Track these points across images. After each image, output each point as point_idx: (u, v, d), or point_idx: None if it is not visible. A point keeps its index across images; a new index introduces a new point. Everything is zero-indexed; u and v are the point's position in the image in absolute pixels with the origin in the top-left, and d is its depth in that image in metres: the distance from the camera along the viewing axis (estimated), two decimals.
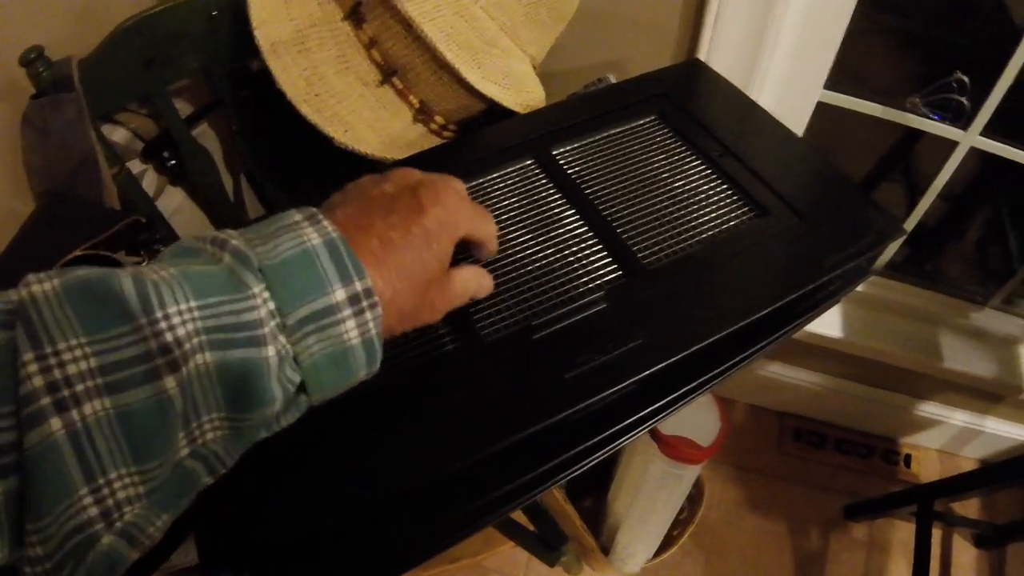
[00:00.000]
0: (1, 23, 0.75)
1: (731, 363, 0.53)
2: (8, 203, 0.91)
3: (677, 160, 0.59)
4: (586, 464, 0.50)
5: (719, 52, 0.80)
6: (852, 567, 1.27)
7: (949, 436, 1.37)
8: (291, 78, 0.64)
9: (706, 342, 0.47)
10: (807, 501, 1.33)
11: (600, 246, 0.52)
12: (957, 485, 1.15)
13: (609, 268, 0.51)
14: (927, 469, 1.39)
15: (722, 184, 0.57)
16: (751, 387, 1.40)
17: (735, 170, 0.58)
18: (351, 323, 0.32)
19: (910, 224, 1.08)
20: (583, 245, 0.52)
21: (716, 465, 1.34)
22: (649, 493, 1.02)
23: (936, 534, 1.31)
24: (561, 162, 0.59)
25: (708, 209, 0.55)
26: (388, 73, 0.67)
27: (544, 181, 0.58)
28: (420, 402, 0.44)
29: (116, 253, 0.61)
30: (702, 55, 0.81)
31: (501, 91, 0.66)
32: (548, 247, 0.53)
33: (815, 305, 0.57)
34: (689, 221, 0.54)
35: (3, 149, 0.84)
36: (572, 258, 0.52)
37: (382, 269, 0.34)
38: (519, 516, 0.75)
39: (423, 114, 0.68)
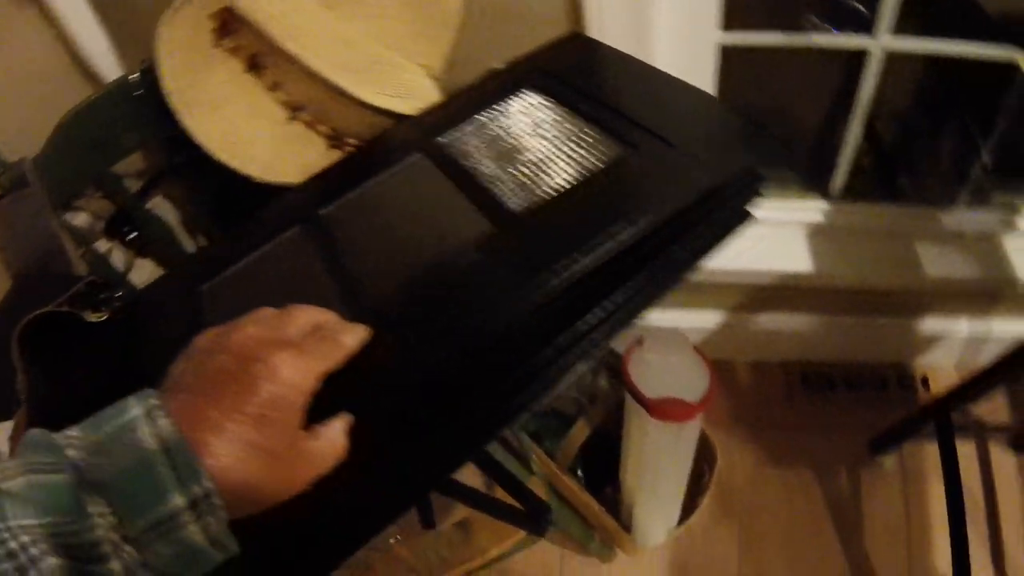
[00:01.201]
0: None
1: (639, 282, 0.54)
2: None
3: (550, 122, 0.63)
4: (548, 388, 0.51)
5: (607, 24, 0.84)
6: (889, 500, 1.26)
7: (960, 348, 1.36)
8: (207, 132, 0.71)
9: (585, 263, 0.48)
10: (829, 445, 1.32)
11: (477, 209, 0.56)
12: (968, 390, 1.13)
13: (488, 225, 0.54)
14: (947, 387, 1.37)
15: (595, 133, 0.60)
16: (746, 344, 1.40)
17: (606, 118, 0.60)
18: (194, 527, 0.32)
19: (849, 142, 1.10)
20: (464, 212, 0.56)
21: (730, 428, 1.34)
22: (652, 460, 1.03)
23: (969, 450, 1.29)
24: (444, 148, 0.63)
25: (581, 157, 0.58)
26: (295, 109, 0.73)
27: (431, 168, 0.62)
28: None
29: (82, 312, 0.67)
30: (594, 32, 0.86)
31: (400, 102, 0.71)
32: (434, 220, 0.58)
33: (719, 223, 0.59)
34: (562, 169, 0.57)
35: None
36: (454, 226, 0.56)
37: (222, 461, 0.34)
38: (504, 496, 0.78)
39: (335, 140, 0.74)
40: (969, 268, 1.16)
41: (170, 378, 0.39)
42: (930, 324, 1.32)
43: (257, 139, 0.72)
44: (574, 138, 0.61)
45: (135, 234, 0.86)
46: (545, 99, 0.66)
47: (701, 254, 0.60)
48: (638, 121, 0.60)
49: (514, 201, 0.56)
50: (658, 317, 1.06)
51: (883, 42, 0.96)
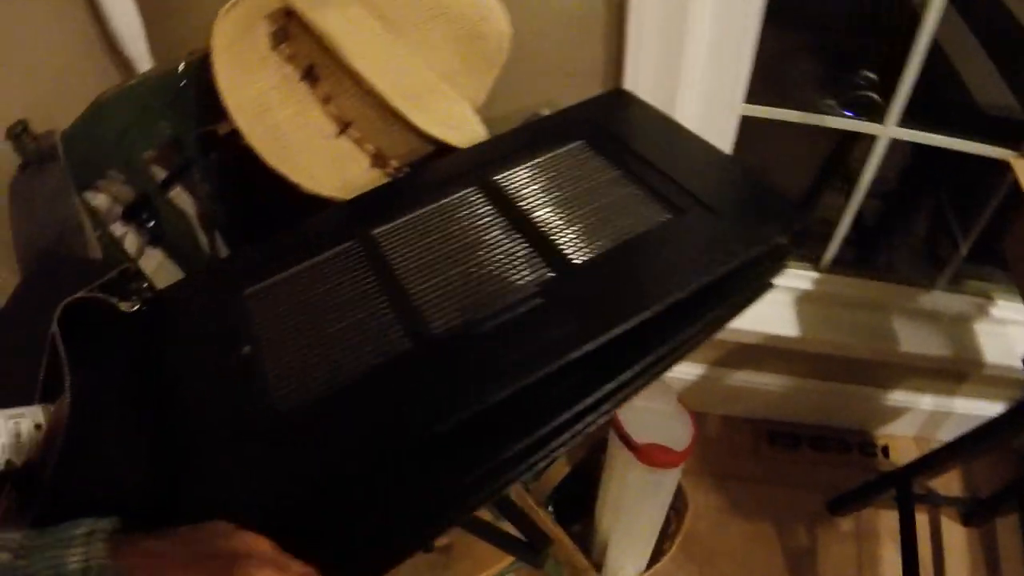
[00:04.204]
0: None
1: (665, 347, 0.58)
2: None
3: (602, 176, 0.66)
4: (546, 454, 0.56)
5: (642, 80, 0.88)
6: (843, 559, 1.31)
7: (921, 421, 1.42)
8: (258, 135, 0.71)
9: (629, 324, 0.52)
10: (790, 501, 1.37)
11: (535, 253, 0.59)
12: (931, 462, 1.18)
13: (544, 270, 0.57)
14: (905, 457, 1.43)
15: (643, 192, 0.64)
16: (721, 398, 1.45)
17: (653, 179, 0.65)
18: None
19: (846, 219, 1.15)
20: (521, 254, 0.59)
21: (698, 476, 1.38)
22: (632, 503, 1.06)
23: (923, 518, 1.35)
24: (501, 186, 0.66)
25: (630, 213, 0.62)
26: (344, 125, 0.74)
27: (486, 204, 0.65)
28: (381, 394, 0.51)
29: (111, 299, 0.66)
30: (628, 84, 0.89)
31: (448, 132, 0.73)
32: (491, 257, 0.59)
33: (743, 291, 0.64)
34: (614, 225, 0.61)
35: None
36: (511, 265, 0.58)
37: None
38: (505, 526, 0.80)
39: (379, 160, 0.75)
40: (940, 347, 1.23)
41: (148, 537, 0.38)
42: (896, 396, 1.38)
43: (304, 148, 0.73)
44: (625, 195, 0.64)
45: (153, 223, 0.85)
46: (596, 153, 0.69)
47: (724, 322, 0.64)
48: (683, 186, 0.64)
49: (572, 250, 0.59)
50: None
51: (891, 130, 1.02)
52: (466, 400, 0.49)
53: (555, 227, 0.61)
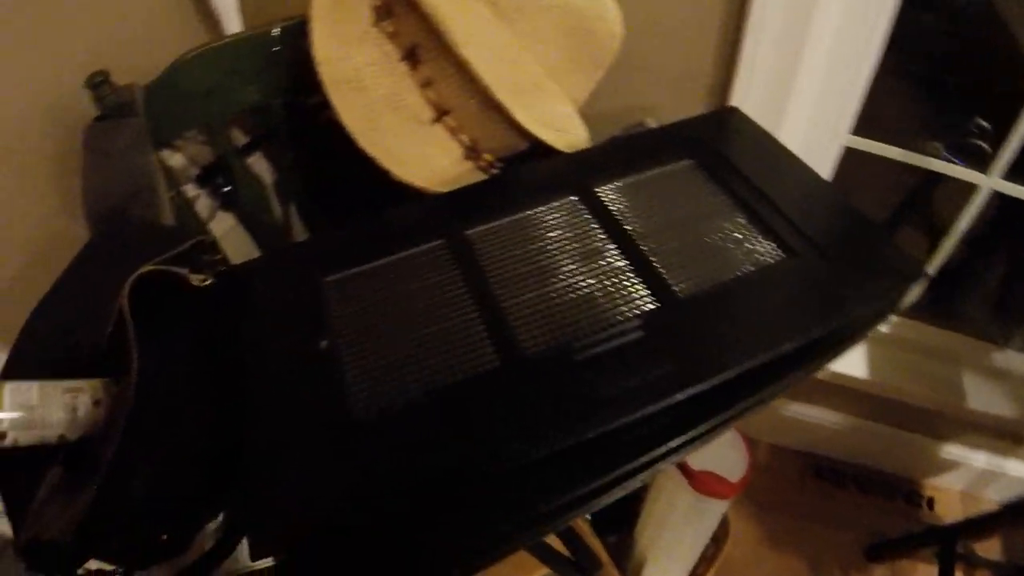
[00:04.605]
0: (62, 47, 0.79)
1: (757, 396, 0.55)
2: (58, 221, 0.94)
3: (712, 202, 0.62)
4: (618, 491, 0.53)
5: (749, 99, 0.83)
6: None
7: (972, 478, 1.37)
8: (351, 114, 0.68)
9: (732, 372, 0.49)
10: (828, 540, 1.33)
11: (638, 278, 0.55)
12: (979, 526, 1.15)
13: (646, 299, 0.54)
14: (950, 510, 1.39)
15: (753, 225, 0.60)
16: (774, 426, 1.41)
17: (765, 212, 0.61)
18: None
19: (933, 266, 1.10)
20: (622, 277, 0.56)
21: (739, 503, 1.35)
22: (676, 527, 1.03)
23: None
24: (603, 200, 0.62)
25: (740, 248, 0.58)
26: (441, 112, 0.70)
27: (587, 216, 0.61)
28: (462, 413, 0.47)
29: (181, 270, 0.64)
30: (734, 102, 0.84)
31: (548, 132, 0.69)
32: (590, 277, 0.56)
33: (839, 342, 0.60)
34: (722, 259, 0.57)
35: (54, 169, 0.87)
36: (612, 288, 0.55)
37: None
38: (552, 540, 0.77)
39: (472, 151, 0.71)
40: (1005, 407, 1.18)
41: None
42: (950, 449, 1.33)
43: (396, 132, 0.70)
44: (735, 226, 0.60)
45: (227, 188, 0.82)
46: (706, 175, 0.65)
47: (815, 370, 0.60)
48: (795, 223, 0.60)
49: (676, 281, 0.55)
50: None
51: (994, 182, 0.97)
52: (556, 434, 0.46)
53: (660, 252, 0.58)
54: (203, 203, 0.83)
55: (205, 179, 0.82)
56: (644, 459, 0.53)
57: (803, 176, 0.67)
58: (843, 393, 1.25)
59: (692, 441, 0.55)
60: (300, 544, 0.44)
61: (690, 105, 0.85)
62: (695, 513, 0.99)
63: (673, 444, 0.54)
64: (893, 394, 1.20)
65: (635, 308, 0.53)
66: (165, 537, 0.51)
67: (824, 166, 0.95)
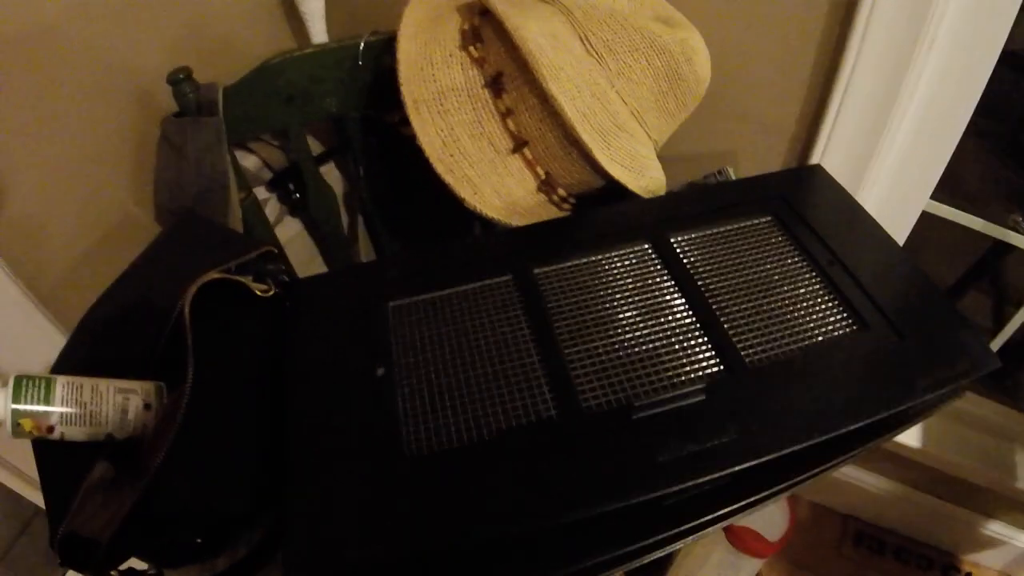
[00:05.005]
0: (150, 38, 0.80)
1: (814, 471, 0.54)
2: (127, 208, 0.96)
3: (787, 263, 0.61)
4: (659, 552, 0.52)
5: (832, 156, 0.81)
6: None
7: (1013, 557, 1.32)
8: (429, 136, 0.68)
9: (795, 448, 0.48)
10: None
11: (705, 338, 0.54)
12: None
13: (712, 361, 0.53)
14: None
15: (828, 292, 0.58)
16: (817, 486, 1.37)
17: (841, 280, 0.59)
18: None
19: (999, 341, 1.06)
20: (689, 334, 0.55)
21: (773, 560, 1.31)
22: None
23: None
24: (676, 250, 0.61)
25: (812, 315, 0.56)
26: (520, 143, 0.70)
27: (658, 266, 0.60)
28: (515, 462, 0.47)
29: (245, 278, 0.65)
30: (816, 156, 0.82)
31: (626, 173, 0.68)
32: (656, 330, 0.55)
33: (901, 422, 0.58)
34: (793, 325, 0.55)
35: (131, 158, 0.88)
36: (677, 345, 0.54)
37: None
38: None
39: (547, 185, 0.71)
40: None
41: None
42: (994, 526, 1.28)
43: (473, 159, 0.69)
44: (809, 291, 0.58)
45: (298, 194, 0.83)
46: (784, 234, 0.63)
47: (878, 445, 0.59)
48: (871, 294, 0.58)
49: (744, 345, 0.54)
50: None
51: None
52: (609, 496, 0.45)
53: (730, 311, 0.56)
54: (272, 207, 0.84)
55: (277, 183, 0.83)
56: (692, 524, 0.52)
57: (882, 244, 0.65)
58: (892, 459, 1.21)
59: (742, 509, 0.54)
60: None
61: (771, 156, 0.84)
62: (729, 568, 0.97)
63: (722, 512, 0.53)
64: (943, 466, 1.16)
65: (699, 370, 0.52)
66: (199, 540, 0.51)
67: (901, 230, 0.92)
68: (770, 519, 0.93)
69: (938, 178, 0.85)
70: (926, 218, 0.94)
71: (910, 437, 1.14)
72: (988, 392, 1.17)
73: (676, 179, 0.75)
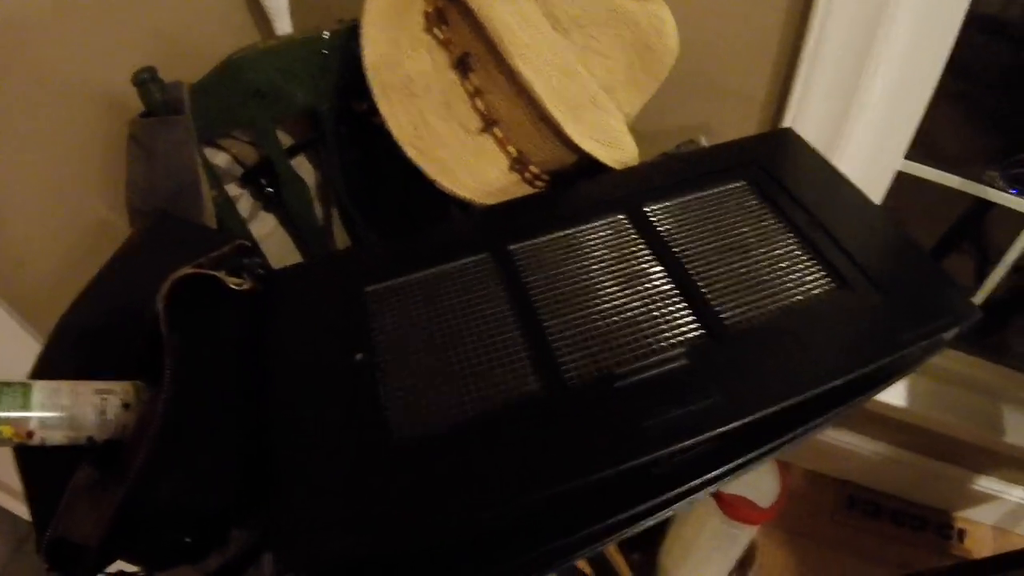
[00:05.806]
0: (114, 39, 0.79)
1: (800, 430, 0.54)
2: (101, 213, 0.95)
3: (764, 226, 0.61)
4: (651, 520, 0.52)
5: (804, 120, 0.81)
6: None
7: (1004, 512, 1.34)
8: (399, 122, 0.67)
9: (779, 407, 0.48)
10: (857, 572, 1.30)
11: (684, 304, 0.54)
12: (1010, 563, 1.11)
13: (692, 326, 0.53)
14: (980, 545, 1.36)
15: (805, 252, 0.58)
16: (809, 452, 1.38)
17: (819, 239, 0.59)
18: None
19: (980, 297, 1.07)
20: (668, 301, 0.55)
21: (769, 529, 1.32)
22: (703, 551, 1.01)
23: None
24: (652, 220, 0.61)
25: (791, 276, 0.56)
26: (490, 122, 0.69)
27: (634, 236, 0.60)
28: (502, 439, 0.47)
29: (219, 272, 0.64)
30: (787, 122, 0.82)
31: (598, 147, 0.68)
32: (635, 300, 0.55)
33: (885, 377, 0.58)
34: (772, 286, 0.55)
35: (100, 162, 0.87)
36: (657, 313, 0.54)
37: None
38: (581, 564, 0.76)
39: (519, 163, 0.70)
40: None
41: None
42: (985, 482, 1.30)
43: (444, 141, 0.69)
44: (786, 253, 0.58)
45: (271, 189, 0.82)
46: (759, 198, 0.63)
47: (864, 402, 0.59)
48: (849, 253, 0.58)
49: (724, 308, 0.54)
50: None
51: None
52: (597, 465, 0.45)
53: (708, 276, 0.56)
54: (246, 203, 0.83)
55: (249, 179, 0.82)
56: (681, 489, 0.52)
57: (858, 203, 0.65)
58: (881, 421, 1.22)
59: (730, 472, 0.54)
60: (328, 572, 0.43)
61: (743, 124, 0.84)
62: (723, 537, 0.97)
63: (711, 475, 0.53)
64: (934, 426, 1.17)
65: (680, 335, 0.52)
66: (188, 540, 0.51)
67: (876, 191, 0.92)
68: (762, 486, 0.94)
69: (911, 135, 0.86)
70: (905, 183, 0.94)
71: (899, 398, 1.15)
72: (972, 351, 1.18)
73: (651, 153, 0.75)
